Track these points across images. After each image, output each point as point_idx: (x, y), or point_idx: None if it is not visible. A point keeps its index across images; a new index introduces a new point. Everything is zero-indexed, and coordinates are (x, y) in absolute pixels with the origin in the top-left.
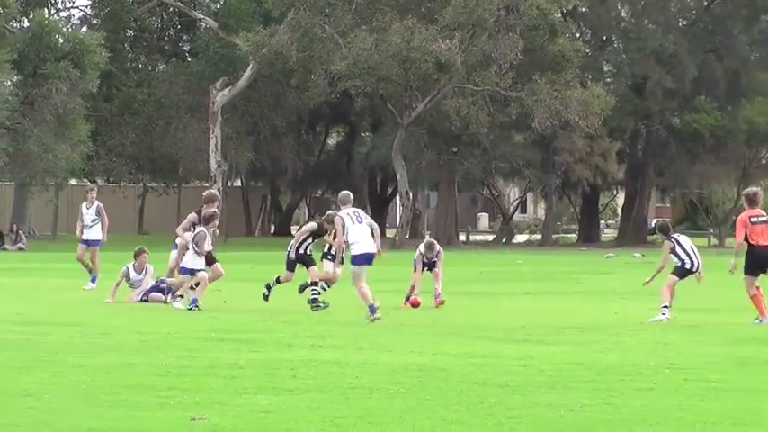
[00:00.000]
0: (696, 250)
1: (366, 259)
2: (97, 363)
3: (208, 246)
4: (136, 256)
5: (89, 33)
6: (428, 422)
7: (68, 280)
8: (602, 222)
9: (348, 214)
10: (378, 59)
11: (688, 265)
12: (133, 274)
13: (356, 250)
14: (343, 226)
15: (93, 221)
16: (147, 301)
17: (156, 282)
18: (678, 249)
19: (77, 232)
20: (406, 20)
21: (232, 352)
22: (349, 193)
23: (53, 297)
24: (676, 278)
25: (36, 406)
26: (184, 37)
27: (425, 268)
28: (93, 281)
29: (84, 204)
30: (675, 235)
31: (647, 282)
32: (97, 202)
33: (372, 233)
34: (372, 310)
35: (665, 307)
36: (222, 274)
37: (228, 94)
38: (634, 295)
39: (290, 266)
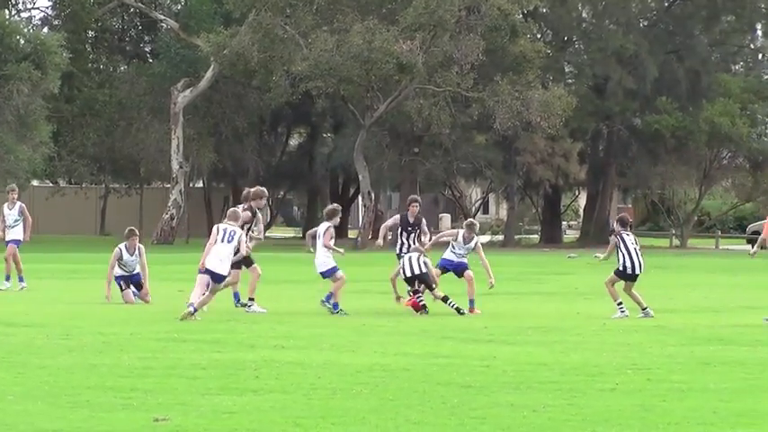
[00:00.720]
0: (639, 253)
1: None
2: (60, 364)
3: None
4: (127, 236)
5: (50, 34)
6: (391, 423)
7: (30, 280)
8: (564, 223)
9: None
10: (339, 60)
11: (629, 270)
12: (126, 255)
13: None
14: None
15: (15, 222)
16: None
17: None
18: (621, 248)
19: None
20: (367, 21)
21: (194, 352)
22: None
23: (14, 298)
24: (615, 278)
25: None
26: (146, 38)
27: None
28: (8, 279)
29: (5, 205)
30: (624, 234)
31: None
32: (19, 203)
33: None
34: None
35: (620, 304)
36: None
37: (190, 95)
38: (596, 296)
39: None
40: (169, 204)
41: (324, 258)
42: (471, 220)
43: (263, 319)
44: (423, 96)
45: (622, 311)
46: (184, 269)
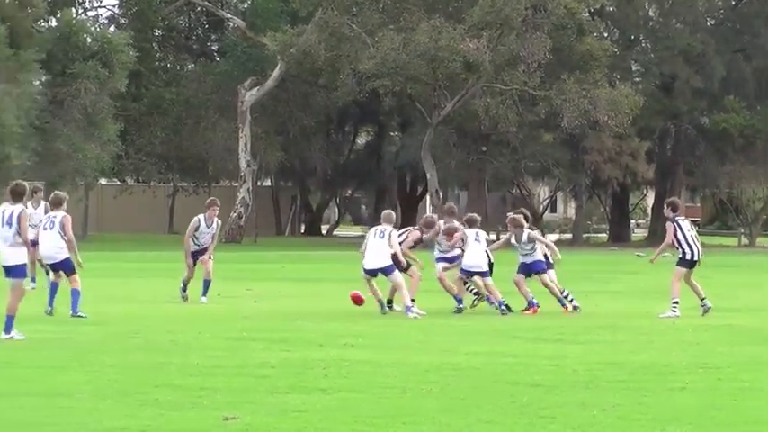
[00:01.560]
0: (696, 238)
1: (370, 272)
2: (129, 362)
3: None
4: (208, 206)
5: (117, 33)
6: (461, 422)
7: (100, 279)
8: (632, 222)
9: (375, 229)
10: (405, 59)
11: (689, 256)
12: (203, 226)
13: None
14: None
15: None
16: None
17: None
18: (678, 235)
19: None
20: (433, 19)
21: (263, 351)
22: (390, 213)
23: (85, 296)
24: (681, 270)
25: (70, 405)
26: (212, 36)
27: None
28: (33, 280)
29: (30, 204)
30: (679, 219)
31: (653, 260)
32: (44, 203)
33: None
34: (382, 306)
35: (675, 303)
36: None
37: (257, 94)
38: (664, 295)
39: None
40: (237, 203)
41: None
42: (471, 215)
43: (332, 318)
44: (490, 95)
45: (674, 311)
46: (252, 268)
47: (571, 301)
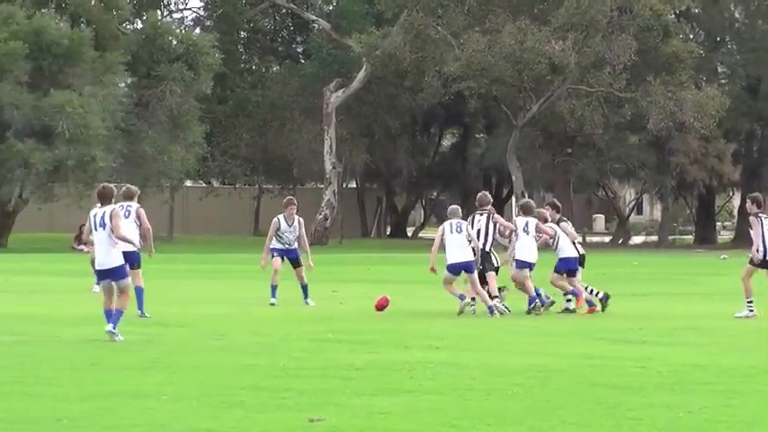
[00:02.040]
0: None
1: (455, 269)
2: (213, 364)
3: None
4: (285, 205)
5: (202, 35)
6: (547, 424)
7: (185, 281)
8: (718, 224)
9: (450, 224)
10: (491, 61)
11: (760, 255)
12: (284, 225)
13: (449, 259)
14: (442, 234)
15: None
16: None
17: None
18: (759, 230)
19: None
20: (518, 21)
21: (349, 353)
22: (457, 207)
23: (170, 298)
24: (752, 268)
25: (154, 407)
26: (297, 38)
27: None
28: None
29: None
30: (762, 215)
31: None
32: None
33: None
34: (462, 296)
35: (750, 302)
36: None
37: (342, 96)
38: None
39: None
40: (322, 205)
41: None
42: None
43: (418, 320)
44: (575, 97)
45: (750, 311)
46: (338, 270)
47: (597, 294)
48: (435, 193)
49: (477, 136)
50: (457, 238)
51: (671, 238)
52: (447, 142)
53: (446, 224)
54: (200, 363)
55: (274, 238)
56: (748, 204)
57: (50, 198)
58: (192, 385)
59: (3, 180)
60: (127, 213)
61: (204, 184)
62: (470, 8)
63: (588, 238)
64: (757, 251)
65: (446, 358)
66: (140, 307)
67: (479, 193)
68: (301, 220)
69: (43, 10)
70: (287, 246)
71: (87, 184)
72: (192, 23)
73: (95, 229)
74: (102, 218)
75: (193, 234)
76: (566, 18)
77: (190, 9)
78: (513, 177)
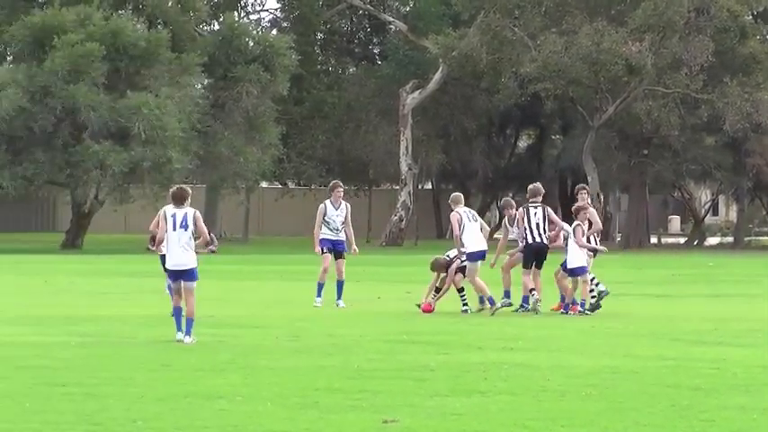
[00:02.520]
0: None
1: (479, 257)
2: (288, 365)
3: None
4: (332, 189)
5: (279, 36)
6: (620, 425)
7: (259, 282)
8: None
9: (465, 212)
10: (567, 62)
11: None
12: (330, 209)
13: (472, 248)
14: (460, 222)
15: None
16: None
17: None
18: None
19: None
20: (595, 22)
21: (423, 354)
22: (460, 195)
23: (244, 300)
24: None
25: (228, 408)
26: (374, 40)
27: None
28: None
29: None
30: None
31: None
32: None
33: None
34: (491, 301)
35: None
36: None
37: (419, 97)
38: None
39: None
40: (398, 206)
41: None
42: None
43: (490, 321)
44: (651, 98)
45: None
46: (413, 271)
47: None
48: (511, 195)
49: (553, 137)
50: (474, 227)
51: (746, 239)
52: (523, 143)
53: (462, 213)
54: (274, 364)
55: (323, 224)
56: None
57: (126, 199)
58: (266, 386)
59: (79, 181)
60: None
61: (280, 186)
62: (547, 9)
63: (663, 239)
64: None
65: (520, 359)
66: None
67: (532, 185)
68: (348, 205)
69: (120, 11)
70: (335, 233)
71: (163, 186)
72: (268, 25)
73: (174, 230)
74: (185, 219)
75: (268, 235)
76: (643, 19)
77: (267, 10)
78: (589, 178)
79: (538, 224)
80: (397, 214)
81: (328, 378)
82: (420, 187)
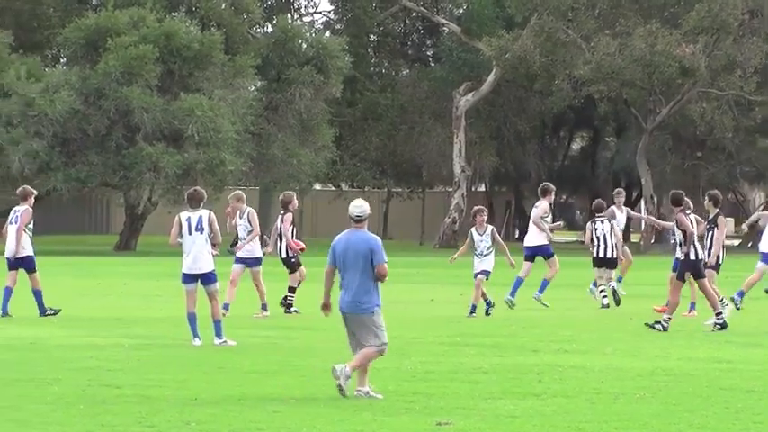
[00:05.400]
0: None
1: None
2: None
3: None
4: (474, 215)
5: (332, 38)
6: (674, 427)
7: (312, 283)
8: None
9: None
10: (621, 64)
11: None
12: (476, 237)
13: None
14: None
15: (249, 233)
16: None
17: None
18: None
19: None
20: (649, 24)
21: (476, 356)
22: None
23: (297, 301)
24: None
25: (281, 410)
26: (427, 42)
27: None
28: (225, 307)
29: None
30: None
31: None
32: (249, 209)
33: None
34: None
35: None
36: None
37: (472, 99)
38: None
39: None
40: (451, 208)
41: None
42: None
43: (545, 323)
44: (705, 100)
45: None
46: (466, 273)
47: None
48: (564, 197)
49: (607, 139)
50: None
51: None
52: (576, 146)
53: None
54: (327, 366)
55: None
56: None
57: (179, 201)
58: (320, 389)
59: (132, 183)
60: (15, 219)
61: (333, 188)
62: (601, 11)
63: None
64: None
65: (574, 362)
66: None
67: (595, 201)
68: (493, 228)
69: (174, 14)
70: (481, 258)
71: (216, 188)
72: (322, 27)
73: (190, 233)
74: (200, 222)
75: (322, 237)
76: (696, 21)
77: (320, 12)
78: (643, 181)
79: (605, 235)
80: (451, 216)
81: (382, 380)
82: (473, 189)
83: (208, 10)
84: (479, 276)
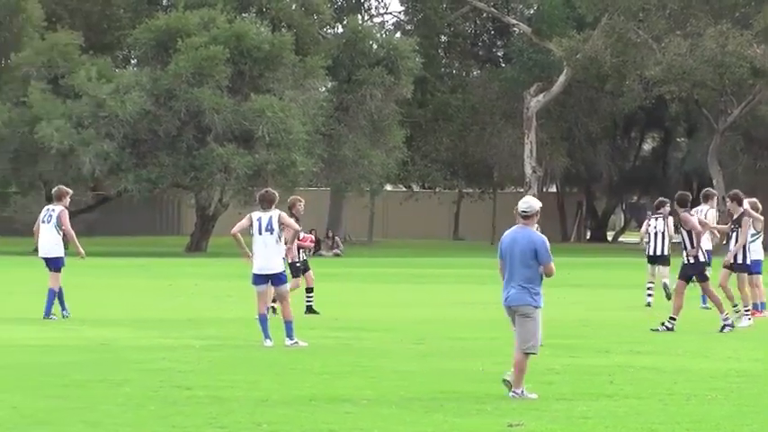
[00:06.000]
0: None
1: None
2: (413, 368)
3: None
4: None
5: (403, 39)
6: (746, 429)
7: (383, 285)
8: None
9: None
10: (692, 64)
11: None
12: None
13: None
14: None
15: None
16: None
17: None
18: None
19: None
20: (720, 25)
21: (549, 357)
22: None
23: (369, 302)
24: None
25: (353, 411)
26: (498, 42)
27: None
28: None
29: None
30: None
31: None
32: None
33: None
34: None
35: None
36: None
37: (543, 100)
38: None
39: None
40: None
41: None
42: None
43: (616, 325)
44: None
45: None
46: None
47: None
48: (635, 198)
49: (678, 140)
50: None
51: None
52: (647, 146)
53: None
54: (399, 367)
55: None
56: None
57: (250, 202)
58: (391, 390)
59: (203, 184)
60: (48, 218)
61: (404, 189)
62: (672, 12)
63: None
64: None
65: (646, 363)
66: (48, 310)
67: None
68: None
69: (244, 14)
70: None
71: (287, 189)
72: (392, 28)
73: (260, 233)
74: (270, 222)
75: (393, 238)
76: None
77: (390, 13)
78: (714, 181)
79: (656, 233)
80: None
81: (454, 381)
82: (544, 190)
83: (278, 11)
84: None
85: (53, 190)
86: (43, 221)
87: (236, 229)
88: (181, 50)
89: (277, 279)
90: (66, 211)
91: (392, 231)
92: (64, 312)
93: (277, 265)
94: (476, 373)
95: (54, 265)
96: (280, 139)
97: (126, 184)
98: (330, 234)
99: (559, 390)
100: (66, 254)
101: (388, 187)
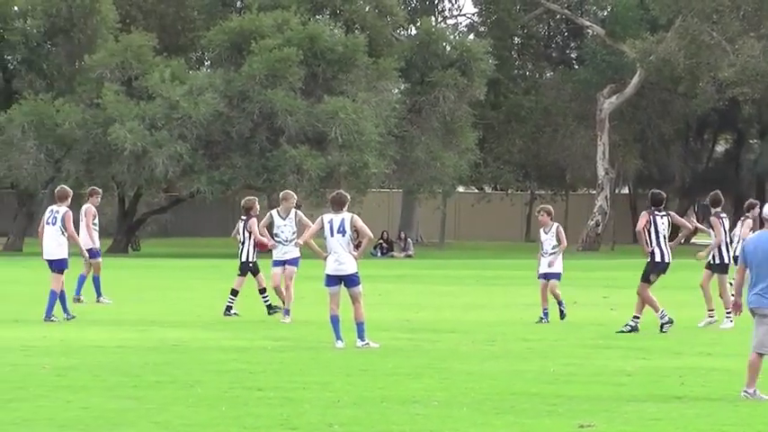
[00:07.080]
0: None
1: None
2: (484, 370)
3: None
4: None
5: (476, 41)
6: None
7: (455, 287)
8: None
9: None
10: (765, 66)
11: None
12: (542, 236)
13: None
14: None
15: (293, 235)
16: None
17: None
18: None
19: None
20: None
21: (620, 359)
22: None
23: (441, 304)
24: None
25: (423, 413)
26: (571, 44)
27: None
28: (286, 313)
29: (276, 212)
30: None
31: None
32: (295, 211)
33: None
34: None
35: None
36: None
37: (616, 102)
38: None
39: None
40: (594, 211)
41: None
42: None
43: (687, 326)
44: None
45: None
46: (609, 276)
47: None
48: (708, 200)
49: (751, 142)
50: None
51: None
52: (720, 148)
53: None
54: (470, 368)
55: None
56: None
57: (323, 204)
58: (462, 391)
59: (276, 186)
60: (53, 220)
61: (476, 191)
62: (746, 14)
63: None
64: None
65: (717, 364)
66: (48, 311)
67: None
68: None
69: (318, 16)
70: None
71: (360, 190)
72: (465, 29)
73: (332, 235)
74: (342, 224)
75: (465, 240)
76: None
77: (464, 15)
78: None
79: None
80: (594, 219)
81: (525, 383)
82: (617, 192)
83: (352, 13)
84: (552, 281)
85: (56, 190)
86: (47, 223)
87: (306, 236)
88: (254, 52)
89: (350, 280)
90: (70, 213)
91: (464, 233)
92: (66, 315)
93: (350, 267)
94: (547, 375)
95: (57, 266)
96: (352, 141)
97: (198, 185)
98: (402, 236)
99: (630, 391)
100: (70, 253)
101: (460, 189)
